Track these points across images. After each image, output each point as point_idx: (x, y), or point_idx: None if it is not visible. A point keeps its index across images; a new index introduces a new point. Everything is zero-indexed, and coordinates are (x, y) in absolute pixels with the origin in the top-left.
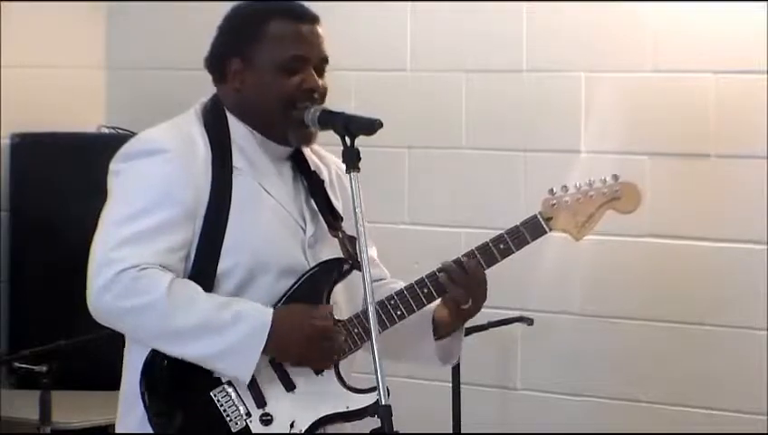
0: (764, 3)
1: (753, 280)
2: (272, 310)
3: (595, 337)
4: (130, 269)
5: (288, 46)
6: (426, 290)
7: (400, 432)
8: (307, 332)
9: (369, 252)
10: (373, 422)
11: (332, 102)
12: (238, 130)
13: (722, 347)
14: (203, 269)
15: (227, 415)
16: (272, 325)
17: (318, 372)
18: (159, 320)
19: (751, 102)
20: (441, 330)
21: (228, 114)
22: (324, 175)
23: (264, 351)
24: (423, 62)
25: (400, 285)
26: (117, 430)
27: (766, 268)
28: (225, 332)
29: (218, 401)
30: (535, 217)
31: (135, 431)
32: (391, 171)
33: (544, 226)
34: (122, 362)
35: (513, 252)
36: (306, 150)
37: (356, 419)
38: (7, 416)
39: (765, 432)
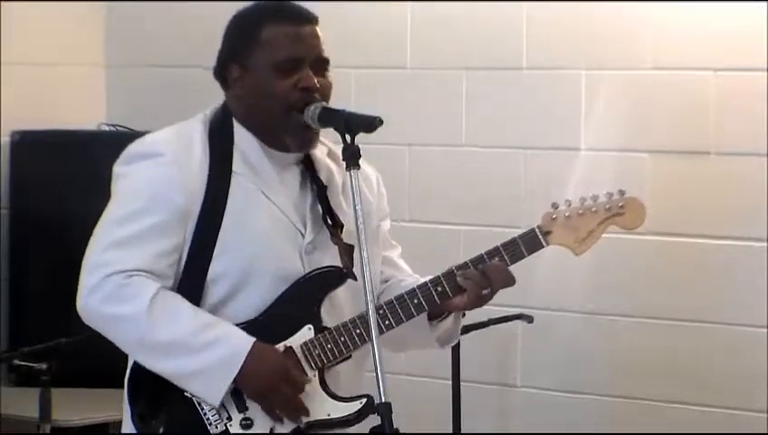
0: (764, 2)
1: (753, 278)
2: (252, 341)
3: (595, 335)
4: (117, 274)
5: (281, 48)
6: (416, 301)
7: (400, 431)
8: (273, 378)
9: (392, 253)
10: (373, 421)
11: (332, 100)
12: (242, 136)
13: (722, 345)
14: (193, 273)
15: (207, 418)
16: (247, 357)
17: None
18: (137, 332)
19: (751, 100)
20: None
21: (234, 121)
22: (337, 178)
23: (234, 380)
24: (423, 60)
25: (411, 279)
26: (123, 430)
27: (766, 266)
28: (201, 354)
29: (199, 403)
30: (533, 230)
31: (133, 430)
32: (391, 169)
33: (542, 240)
34: (122, 361)
35: (508, 265)
36: (319, 153)
37: (337, 428)
38: (7, 414)
39: (766, 432)
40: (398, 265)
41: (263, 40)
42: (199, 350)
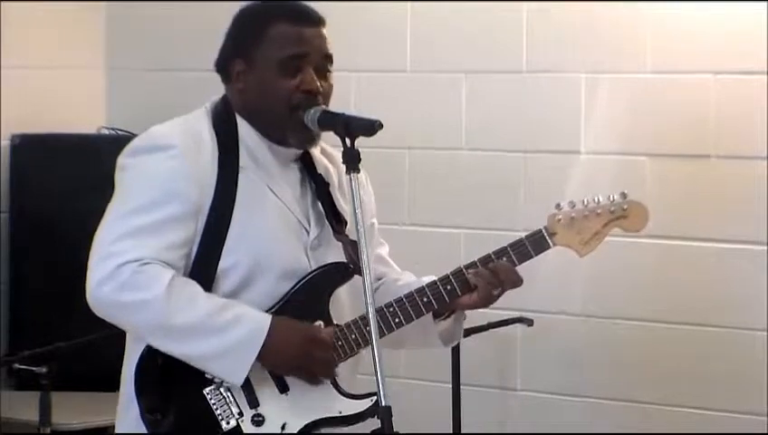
0: (764, 3)
1: (753, 281)
2: (270, 317)
3: (595, 337)
4: (131, 263)
5: (287, 47)
6: (425, 299)
7: (400, 432)
8: (302, 345)
9: (381, 251)
10: (373, 423)
11: (332, 103)
12: (245, 131)
13: (722, 348)
14: (204, 267)
15: (219, 414)
16: (268, 332)
17: (312, 383)
18: (157, 317)
19: (751, 103)
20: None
21: (236, 115)
22: (333, 177)
23: (258, 357)
24: (423, 63)
25: (406, 277)
26: (116, 430)
27: (766, 269)
28: (222, 334)
29: (211, 399)
30: (540, 231)
31: (132, 431)
32: (391, 172)
33: (548, 241)
34: (122, 363)
35: (516, 265)
36: (316, 152)
37: (348, 424)
38: (7, 417)
39: (765, 433)
40: (389, 263)
41: (269, 37)
42: (220, 330)
